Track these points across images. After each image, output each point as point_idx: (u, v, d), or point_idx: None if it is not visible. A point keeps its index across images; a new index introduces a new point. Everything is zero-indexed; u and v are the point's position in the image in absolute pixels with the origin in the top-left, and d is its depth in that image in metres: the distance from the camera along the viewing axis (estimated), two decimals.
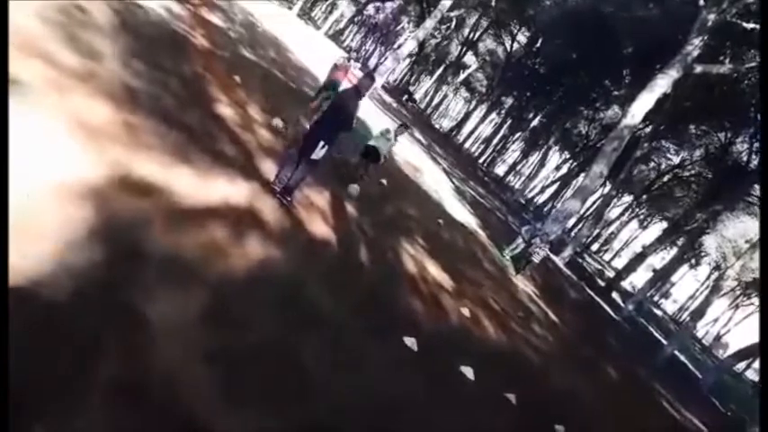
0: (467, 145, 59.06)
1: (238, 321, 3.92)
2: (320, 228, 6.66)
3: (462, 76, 52.91)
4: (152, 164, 4.83)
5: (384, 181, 11.35)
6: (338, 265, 6.23)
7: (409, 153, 17.78)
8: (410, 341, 5.63)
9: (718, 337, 53.96)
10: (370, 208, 9.03)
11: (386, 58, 38.18)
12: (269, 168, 6.93)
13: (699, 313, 23.10)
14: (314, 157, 6.28)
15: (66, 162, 3.96)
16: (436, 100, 65.60)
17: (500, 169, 60.45)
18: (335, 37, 50.39)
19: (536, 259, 13.68)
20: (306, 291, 5.07)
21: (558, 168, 52.63)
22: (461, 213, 15.78)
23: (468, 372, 5.99)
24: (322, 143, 6.21)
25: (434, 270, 8.64)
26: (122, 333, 3.04)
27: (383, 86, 35.76)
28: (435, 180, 17.11)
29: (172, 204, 4.58)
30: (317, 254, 6.03)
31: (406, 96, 44.67)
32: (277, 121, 8.97)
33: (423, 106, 57.97)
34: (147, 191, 4.44)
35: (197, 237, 4.46)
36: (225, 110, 7.74)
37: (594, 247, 55.67)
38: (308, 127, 8.06)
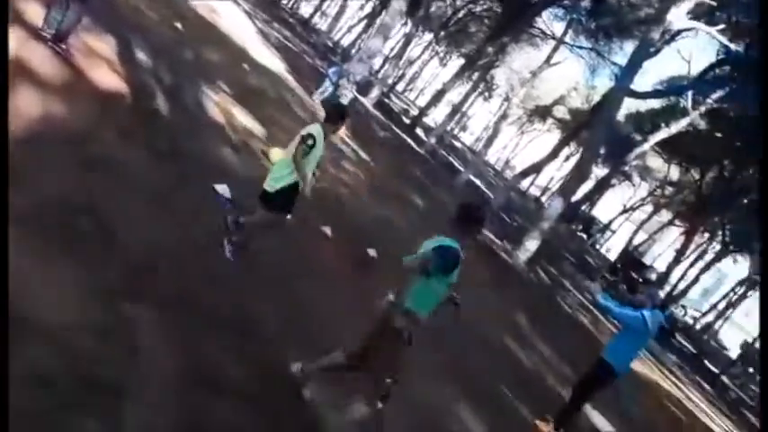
0: None
1: (26, 179, 3.60)
2: (107, 77, 6.08)
3: None
4: None
5: (179, 25, 10.40)
6: (132, 115, 5.83)
7: None
8: (221, 188, 5.68)
9: (507, 162, 61.84)
10: (165, 53, 8.34)
11: None
12: (35, 12, 5.94)
13: (491, 141, 25.97)
14: None
15: None
16: None
17: (305, 10, 57.87)
18: None
19: (344, 101, 13.98)
20: (97, 143, 4.76)
21: (362, 7, 51.77)
22: (268, 58, 15.20)
23: None
24: None
25: (242, 117, 8.49)
26: None
27: None
28: (236, 23, 16.01)
29: None
30: (105, 105, 5.56)
31: None
32: None
33: None
34: None
35: None
36: None
37: (400, 87, 57.76)
38: None
